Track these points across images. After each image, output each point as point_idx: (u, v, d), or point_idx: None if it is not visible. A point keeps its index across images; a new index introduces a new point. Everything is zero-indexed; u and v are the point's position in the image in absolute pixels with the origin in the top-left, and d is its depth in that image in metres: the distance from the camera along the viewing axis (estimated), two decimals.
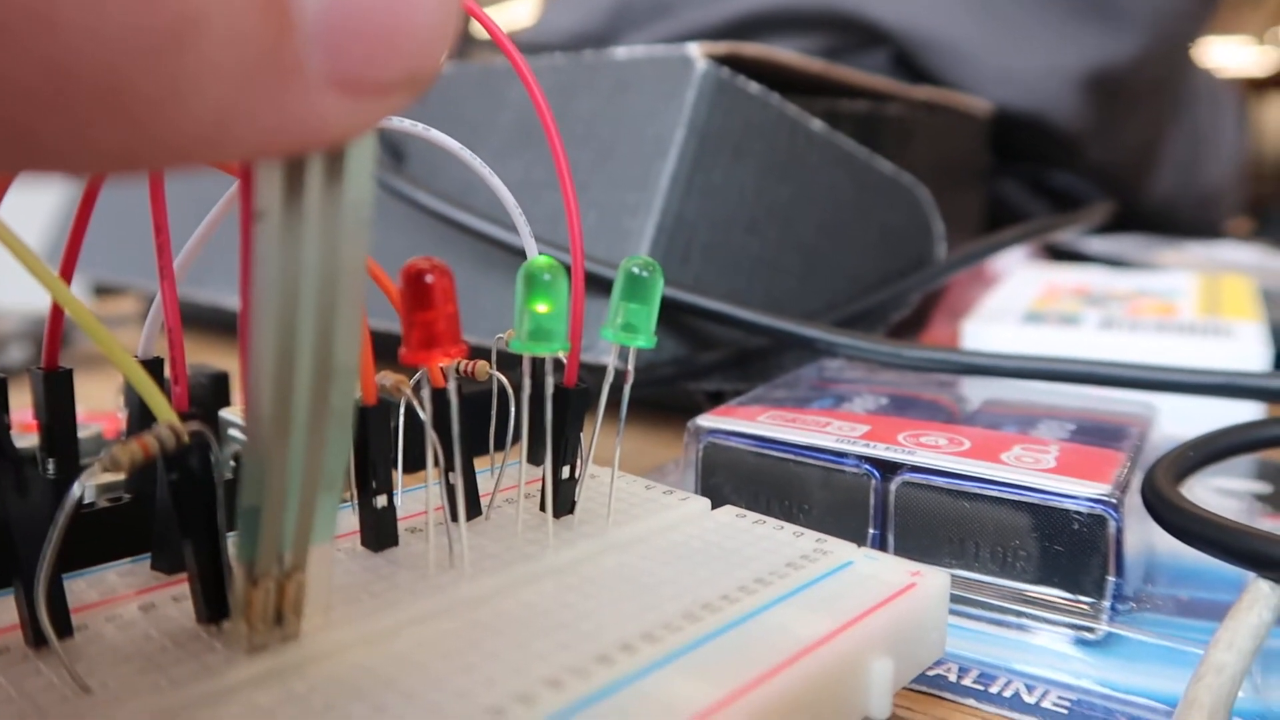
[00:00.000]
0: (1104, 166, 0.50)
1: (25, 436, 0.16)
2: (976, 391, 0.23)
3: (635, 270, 0.13)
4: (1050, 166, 0.49)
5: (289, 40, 0.07)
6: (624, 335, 0.13)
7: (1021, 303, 0.32)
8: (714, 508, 0.16)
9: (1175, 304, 0.31)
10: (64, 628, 0.11)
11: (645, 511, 0.15)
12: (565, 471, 0.14)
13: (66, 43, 0.06)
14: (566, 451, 0.14)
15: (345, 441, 0.10)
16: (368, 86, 0.07)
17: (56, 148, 0.06)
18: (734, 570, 0.13)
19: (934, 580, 0.13)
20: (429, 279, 0.11)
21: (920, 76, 0.45)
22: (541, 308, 0.12)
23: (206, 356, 0.21)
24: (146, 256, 0.14)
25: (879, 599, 0.13)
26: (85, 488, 0.10)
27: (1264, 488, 0.22)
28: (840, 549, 0.14)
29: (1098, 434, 0.19)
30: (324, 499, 0.10)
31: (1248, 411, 0.23)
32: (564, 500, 0.15)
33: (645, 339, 0.13)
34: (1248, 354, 0.26)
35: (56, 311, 0.12)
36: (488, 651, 0.11)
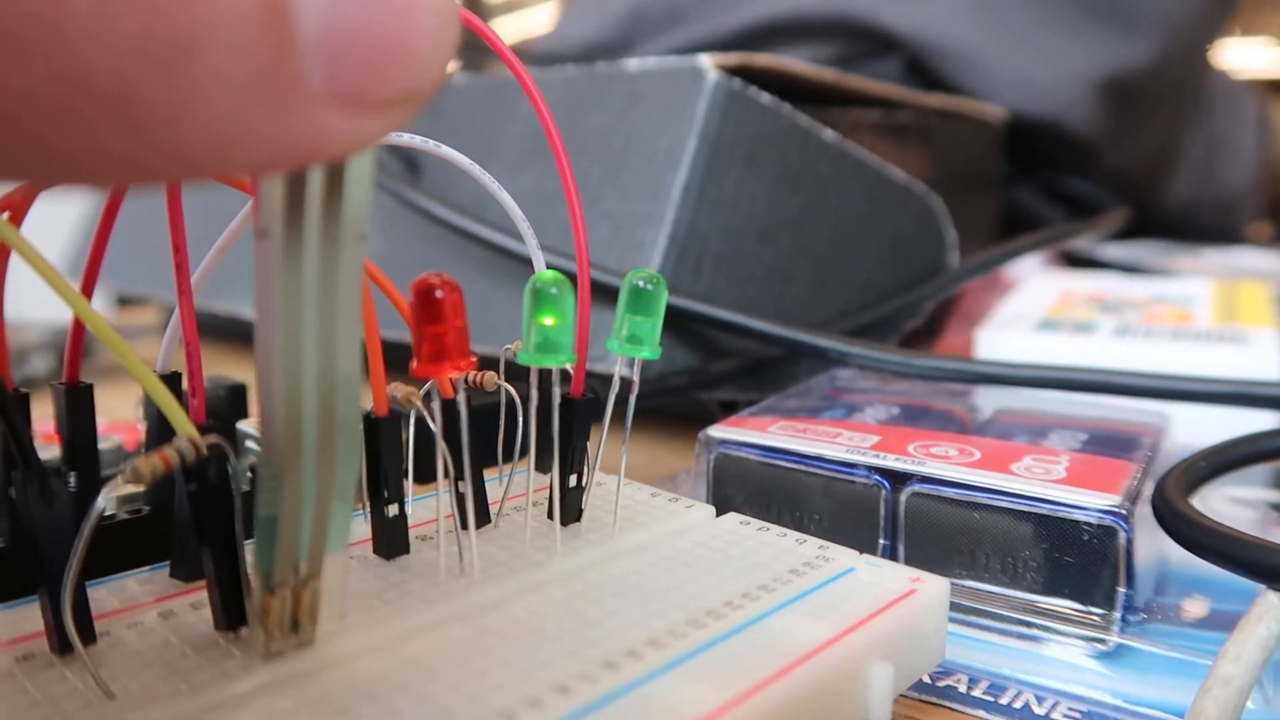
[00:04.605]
0: (1120, 172, 0.49)
1: (47, 448, 0.16)
2: (989, 401, 0.23)
3: (639, 284, 0.13)
4: (1066, 173, 0.49)
5: (290, 54, 0.07)
6: (629, 347, 0.14)
7: (1036, 310, 0.32)
8: (719, 516, 0.16)
9: (1191, 311, 0.31)
10: (88, 634, 0.11)
11: (651, 519, 0.15)
12: (572, 480, 0.15)
13: (76, 52, 0.06)
14: (573, 460, 0.15)
15: (356, 451, 0.10)
16: (368, 101, 0.07)
17: (65, 157, 0.06)
18: (738, 577, 0.13)
19: (934, 587, 0.13)
20: (438, 294, 0.11)
21: (933, 83, 0.44)
22: (548, 321, 0.12)
23: (224, 367, 0.21)
24: (166, 268, 0.14)
25: (879, 605, 0.13)
26: (108, 500, 0.10)
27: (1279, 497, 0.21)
28: (842, 556, 0.14)
29: (1109, 444, 0.19)
30: (338, 508, 0.10)
31: (1263, 421, 0.23)
32: (571, 508, 0.15)
33: (650, 350, 0.14)
34: (1264, 362, 0.26)
35: (78, 326, 0.13)
36: (497, 657, 0.11)
